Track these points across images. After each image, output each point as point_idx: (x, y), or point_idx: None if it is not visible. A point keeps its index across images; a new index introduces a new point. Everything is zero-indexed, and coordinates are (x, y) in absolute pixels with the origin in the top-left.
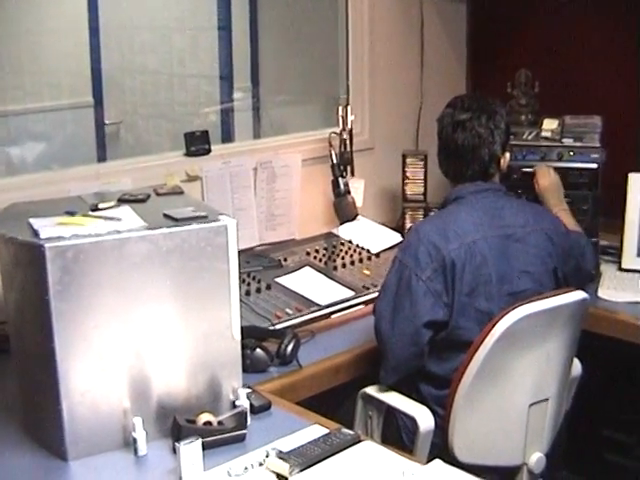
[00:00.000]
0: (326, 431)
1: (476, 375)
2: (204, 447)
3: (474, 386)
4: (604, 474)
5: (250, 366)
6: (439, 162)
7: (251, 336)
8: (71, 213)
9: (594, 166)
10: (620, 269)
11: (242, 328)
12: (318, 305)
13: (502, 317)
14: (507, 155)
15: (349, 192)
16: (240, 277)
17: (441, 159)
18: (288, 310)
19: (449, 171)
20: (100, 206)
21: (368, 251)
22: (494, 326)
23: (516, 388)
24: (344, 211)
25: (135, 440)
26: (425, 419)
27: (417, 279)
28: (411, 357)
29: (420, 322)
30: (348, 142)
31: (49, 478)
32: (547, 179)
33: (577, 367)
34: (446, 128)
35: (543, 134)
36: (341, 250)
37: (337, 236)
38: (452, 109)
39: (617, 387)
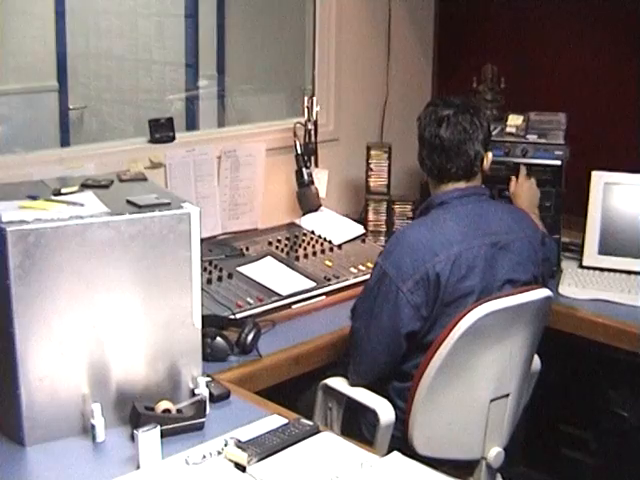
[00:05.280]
0: (285, 421)
1: (439, 369)
2: (162, 435)
3: (436, 380)
4: (561, 469)
5: (210, 355)
6: (420, 161)
7: (212, 325)
8: (33, 197)
9: (558, 163)
10: (581, 266)
11: (203, 316)
12: (279, 295)
13: (467, 313)
14: (490, 154)
15: (312, 183)
16: (202, 265)
17: (423, 157)
18: (249, 299)
19: (433, 168)
20: (63, 191)
21: (330, 242)
22: (458, 322)
23: (478, 383)
24: (307, 201)
25: (93, 426)
26: (386, 412)
27: (397, 290)
28: (383, 365)
29: (397, 334)
30: (313, 133)
31: (6, 463)
32: (523, 187)
33: (536, 362)
34: (429, 124)
35: (508, 130)
36: (303, 241)
37: (299, 226)
38: (434, 107)
39: (575, 383)
